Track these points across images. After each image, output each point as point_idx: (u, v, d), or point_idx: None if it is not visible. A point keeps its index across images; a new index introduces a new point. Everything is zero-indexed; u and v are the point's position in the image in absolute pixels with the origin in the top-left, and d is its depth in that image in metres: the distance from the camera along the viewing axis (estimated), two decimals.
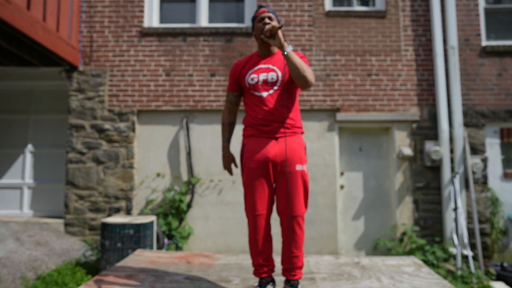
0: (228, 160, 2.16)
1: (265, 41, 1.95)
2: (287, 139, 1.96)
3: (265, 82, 1.96)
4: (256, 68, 2.01)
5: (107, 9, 4.85)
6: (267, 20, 1.94)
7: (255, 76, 1.98)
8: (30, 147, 5.11)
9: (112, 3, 4.85)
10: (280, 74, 1.96)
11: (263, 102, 1.95)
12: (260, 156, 1.93)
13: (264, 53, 2.05)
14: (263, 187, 1.93)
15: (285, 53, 1.83)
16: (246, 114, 2.05)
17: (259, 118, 1.95)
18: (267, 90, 1.95)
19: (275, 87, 1.96)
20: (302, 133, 2.07)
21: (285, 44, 1.85)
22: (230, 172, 2.18)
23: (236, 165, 2.18)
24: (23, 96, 5.21)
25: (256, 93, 1.97)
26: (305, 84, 1.86)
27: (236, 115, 2.19)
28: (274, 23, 1.94)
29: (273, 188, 1.99)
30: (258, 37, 2.00)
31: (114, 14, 4.84)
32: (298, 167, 1.93)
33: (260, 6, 2.03)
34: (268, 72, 1.98)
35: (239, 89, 2.10)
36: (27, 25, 3.63)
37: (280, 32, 1.85)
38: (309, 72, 1.86)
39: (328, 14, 4.81)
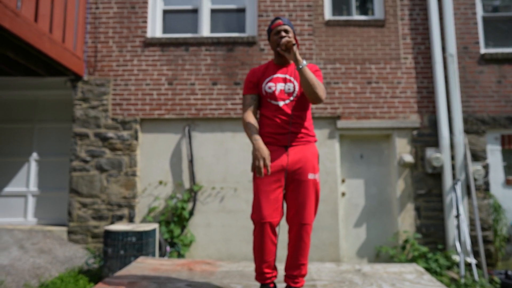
0: (264, 151, 1.87)
1: (281, 54, 2.00)
2: (301, 147, 1.99)
3: (282, 92, 2.00)
4: (274, 77, 2.05)
5: (111, 20, 4.95)
6: (283, 34, 2.00)
7: (272, 85, 2.03)
8: (35, 155, 5.18)
9: (117, 14, 4.96)
10: (297, 85, 2.01)
11: (279, 111, 1.98)
12: (274, 164, 1.95)
13: (281, 62, 2.09)
14: (274, 194, 1.93)
15: (299, 68, 1.88)
16: (261, 123, 2.08)
17: (275, 126, 1.99)
18: (284, 100, 2.00)
19: (292, 98, 2.00)
20: (315, 141, 2.10)
21: (300, 59, 1.90)
22: (266, 165, 1.85)
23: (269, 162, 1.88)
24: (28, 105, 5.30)
25: (273, 102, 2.01)
26: (316, 100, 1.91)
27: (256, 115, 2.12)
28: (290, 35, 2.01)
29: (283, 196, 1.98)
30: (274, 49, 2.05)
31: (118, 25, 4.95)
32: (311, 176, 1.95)
33: (276, 18, 2.07)
34: (286, 83, 2.02)
35: (257, 91, 2.10)
36: (34, 37, 3.73)
37: (295, 48, 1.90)
38: (320, 89, 1.90)
39: (328, 23, 4.88)
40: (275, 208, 1.92)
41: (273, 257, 1.99)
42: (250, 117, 2.03)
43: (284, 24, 2.02)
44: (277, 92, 2.00)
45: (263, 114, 2.07)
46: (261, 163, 1.85)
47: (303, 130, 2.01)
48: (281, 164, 1.95)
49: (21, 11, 3.56)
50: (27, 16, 3.65)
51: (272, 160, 1.95)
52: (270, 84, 2.03)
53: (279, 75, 2.05)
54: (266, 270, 1.98)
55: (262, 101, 2.07)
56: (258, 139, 1.93)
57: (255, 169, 1.87)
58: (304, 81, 1.87)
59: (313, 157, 2.00)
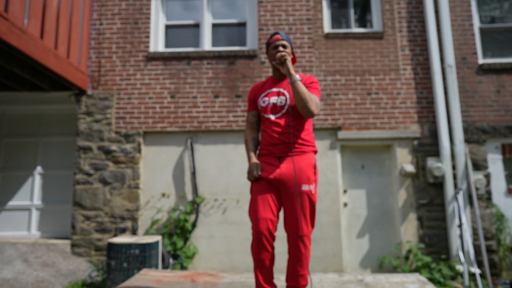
0: (253, 166, 2.05)
1: (277, 67, 2.09)
2: (295, 158, 2.02)
3: (275, 105, 2.07)
4: (269, 91, 2.13)
5: (115, 36, 5.06)
6: (280, 48, 2.08)
7: (266, 99, 2.11)
8: (39, 169, 5.23)
9: (120, 30, 5.07)
10: (289, 97, 2.06)
11: (272, 124, 2.05)
12: (266, 175, 2.02)
13: (278, 77, 2.17)
14: (268, 203, 1.96)
15: (291, 82, 1.94)
16: (261, 135, 2.17)
17: (268, 139, 2.06)
18: (275, 113, 2.06)
19: (283, 111, 2.05)
20: (315, 151, 2.12)
21: (292, 73, 1.95)
22: (257, 176, 2.04)
23: (260, 172, 2.05)
24: (33, 120, 5.38)
25: (266, 116, 2.09)
26: (308, 114, 1.95)
27: (257, 132, 2.24)
28: (288, 50, 2.09)
29: (279, 205, 2.02)
30: (271, 62, 2.13)
31: (121, 40, 5.05)
32: (305, 187, 1.98)
33: (275, 33, 2.14)
34: (278, 96, 2.08)
35: (255, 108, 2.21)
36: (40, 53, 3.82)
37: (288, 62, 1.98)
38: (312, 103, 1.94)
39: (327, 36, 4.97)
40: (270, 217, 1.92)
41: (270, 261, 1.95)
42: (248, 135, 2.20)
43: (282, 39, 2.09)
44: (269, 106, 2.07)
45: (262, 128, 2.15)
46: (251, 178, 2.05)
47: (298, 141, 2.04)
48: (272, 175, 1.99)
49: (27, 29, 3.66)
50: (33, 33, 3.75)
51: (266, 172, 2.02)
52: (265, 98, 2.11)
53: (274, 89, 2.12)
54: (265, 279, 1.97)
55: (261, 115, 2.15)
56: (250, 157, 2.12)
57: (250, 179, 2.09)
58: (296, 96, 1.93)
59: (308, 168, 2.01)
